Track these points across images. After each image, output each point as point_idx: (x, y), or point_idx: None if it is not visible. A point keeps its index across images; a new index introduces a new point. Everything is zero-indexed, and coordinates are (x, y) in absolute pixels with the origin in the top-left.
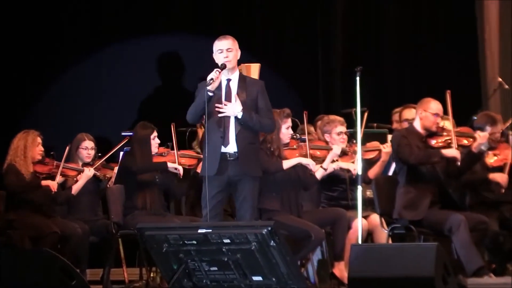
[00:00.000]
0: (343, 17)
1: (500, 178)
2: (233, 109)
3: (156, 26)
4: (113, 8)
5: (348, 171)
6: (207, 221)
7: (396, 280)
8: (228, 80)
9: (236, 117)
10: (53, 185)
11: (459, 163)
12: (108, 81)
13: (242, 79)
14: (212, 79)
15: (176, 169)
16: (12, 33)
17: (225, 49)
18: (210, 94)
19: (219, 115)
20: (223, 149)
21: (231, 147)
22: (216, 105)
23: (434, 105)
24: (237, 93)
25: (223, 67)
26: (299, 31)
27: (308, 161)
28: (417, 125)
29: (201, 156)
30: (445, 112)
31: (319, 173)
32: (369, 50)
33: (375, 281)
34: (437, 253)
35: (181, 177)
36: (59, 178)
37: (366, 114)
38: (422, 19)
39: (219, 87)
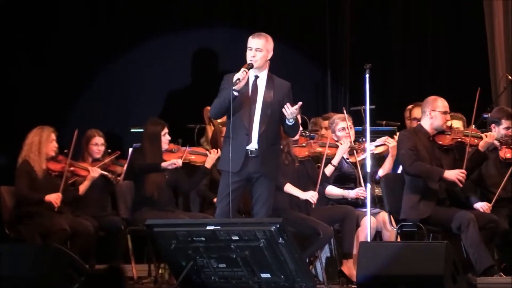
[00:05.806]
0: (352, 13)
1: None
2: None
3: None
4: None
5: (357, 167)
6: (224, 217)
7: (405, 278)
8: (256, 77)
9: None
10: (56, 199)
11: (460, 185)
12: (146, 77)
13: (271, 78)
14: (238, 79)
15: (174, 164)
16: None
17: (254, 48)
18: (236, 94)
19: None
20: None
21: (253, 145)
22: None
23: (441, 103)
24: (264, 92)
25: (250, 66)
26: (306, 28)
27: (306, 195)
28: (426, 125)
29: (210, 152)
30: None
31: (328, 170)
32: (377, 47)
33: (383, 279)
34: (446, 251)
35: (180, 166)
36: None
37: None
38: (430, 16)
39: (246, 82)
